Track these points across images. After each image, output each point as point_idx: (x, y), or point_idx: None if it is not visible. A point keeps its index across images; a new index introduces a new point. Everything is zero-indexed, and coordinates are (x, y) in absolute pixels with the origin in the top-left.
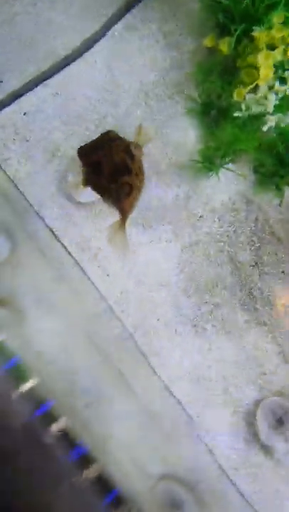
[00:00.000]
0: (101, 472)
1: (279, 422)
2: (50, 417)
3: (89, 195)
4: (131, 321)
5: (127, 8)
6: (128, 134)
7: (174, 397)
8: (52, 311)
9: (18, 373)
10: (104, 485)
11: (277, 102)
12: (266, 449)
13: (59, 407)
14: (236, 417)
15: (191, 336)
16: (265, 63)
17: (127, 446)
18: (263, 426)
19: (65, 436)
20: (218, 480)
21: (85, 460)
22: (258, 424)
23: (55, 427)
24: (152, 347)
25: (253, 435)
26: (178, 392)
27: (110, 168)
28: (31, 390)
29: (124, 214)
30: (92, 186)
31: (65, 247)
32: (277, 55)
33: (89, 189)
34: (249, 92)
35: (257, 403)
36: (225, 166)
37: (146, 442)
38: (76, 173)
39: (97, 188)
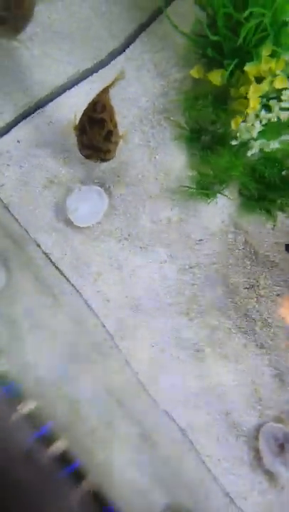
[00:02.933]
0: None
1: (281, 448)
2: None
3: (86, 219)
4: (128, 348)
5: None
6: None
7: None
8: (51, 337)
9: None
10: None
11: (262, 128)
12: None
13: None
14: (240, 442)
15: (191, 360)
16: (253, 96)
17: (130, 478)
18: (265, 452)
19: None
20: (226, 509)
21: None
22: (260, 450)
23: (53, 448)
24: (151, 373)
25: (257, 461)
26: (179, 419)
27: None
28: (31, 413)
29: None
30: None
31: (62, 273)
32: (265, 86)
33: (86, 213)
34: (242, 120)
35: (258, 428)
36: (222, 192)
37: (147, 471)
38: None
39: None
